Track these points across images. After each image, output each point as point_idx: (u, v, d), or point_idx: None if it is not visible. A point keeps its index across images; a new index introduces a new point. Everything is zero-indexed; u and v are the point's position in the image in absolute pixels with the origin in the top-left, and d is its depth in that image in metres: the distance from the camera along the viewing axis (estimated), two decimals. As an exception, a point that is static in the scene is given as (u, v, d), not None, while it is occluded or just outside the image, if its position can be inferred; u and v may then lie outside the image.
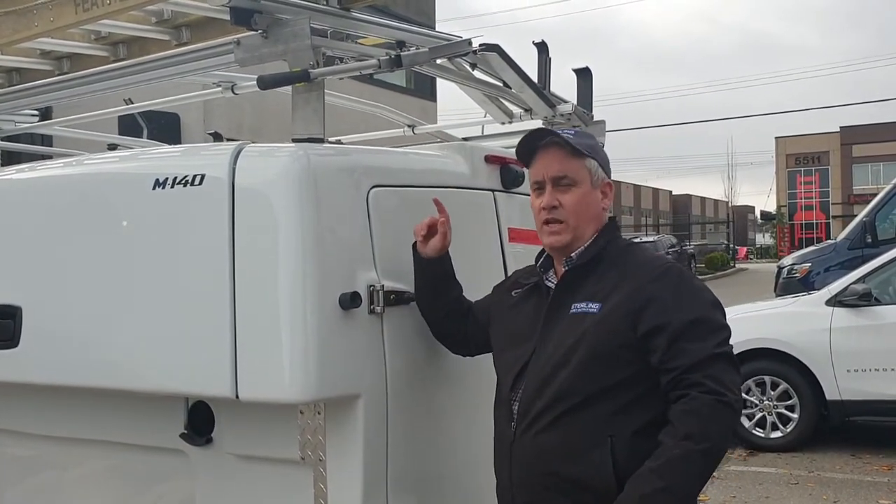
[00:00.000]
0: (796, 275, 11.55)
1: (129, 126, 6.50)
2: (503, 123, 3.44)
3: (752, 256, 54.16)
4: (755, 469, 6.18)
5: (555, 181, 2.01)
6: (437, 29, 20.29)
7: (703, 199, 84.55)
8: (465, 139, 3.94)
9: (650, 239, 30.71)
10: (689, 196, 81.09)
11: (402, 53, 2.25)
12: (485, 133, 3.81)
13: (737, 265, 35.74)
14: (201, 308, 2.10)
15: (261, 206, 2.08)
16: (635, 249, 2.06)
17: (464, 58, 2.85)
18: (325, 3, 2.28)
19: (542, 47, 3.43)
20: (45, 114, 4.66)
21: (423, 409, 2.26)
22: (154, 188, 2.20)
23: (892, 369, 6.17)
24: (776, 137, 52.96)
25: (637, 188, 70.09)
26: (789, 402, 6.59)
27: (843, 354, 6.31)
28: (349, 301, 2.02)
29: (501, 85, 3.13)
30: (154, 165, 2.31)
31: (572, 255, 2.01)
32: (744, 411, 6.73)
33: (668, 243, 30.25)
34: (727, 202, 59.82)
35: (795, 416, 6.56)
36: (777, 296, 11.21)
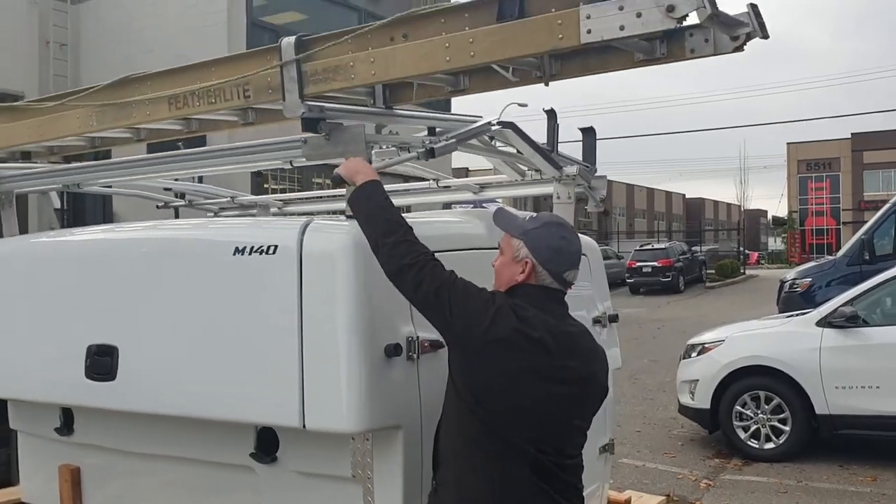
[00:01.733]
0: (798, 289, 12.00)
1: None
2: (516, 181, 3.94)
3: (763, 262, 54.33)
4: (748, 478, 6.65)
5: (499, 247, 2.56)
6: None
7: (716, 202, 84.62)
8: (480, 186, 4.45)
9: (662, 246, 31.13)
10: (702, 200, 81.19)
11: (435, 146, 2.75)
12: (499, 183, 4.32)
13: (747, 272, 35.92)
14: (274, 354, 2.60)
15: (323, 272, 2.57)
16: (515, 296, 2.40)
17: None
18: (371, 103, 2.80)
19: (551, 114, 3.93)
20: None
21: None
22: (234, 254, 2.72)
23: (878, 387, 6.64)
24: (788, 143, 53.22)
25: (650, 191, 70.21)
26: (782, 416, 7.07)
27: (832, 372, 6.77)
28: (392, 350, 2.53)
29: (516, 152, 3.64)
30: (234, 235, 2.82)
31: None
32: (740, 423, 7.23)
33: (679, 250, 30.67)
34: (740, 206, 60.03)
35: (787, 428, 7.03)
36: (780, 310, 11.67)
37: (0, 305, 3.49)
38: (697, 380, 7.49)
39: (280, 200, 5.01)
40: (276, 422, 2.68)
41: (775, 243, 66.90)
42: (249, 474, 2.90)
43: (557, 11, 2.12)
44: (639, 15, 1.98)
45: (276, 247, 2.65)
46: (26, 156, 4.46)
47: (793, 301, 11.49)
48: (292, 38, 2.48)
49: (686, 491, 6.33)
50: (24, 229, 4.32)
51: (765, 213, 79.90)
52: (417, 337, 2.62)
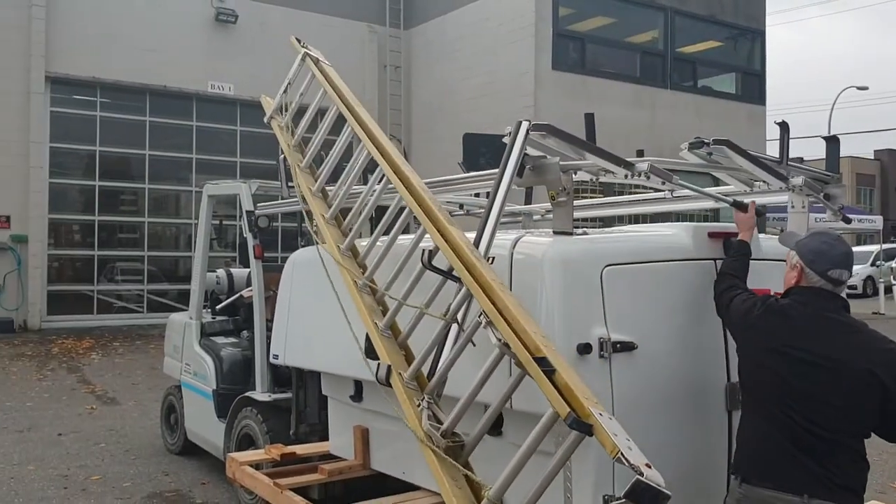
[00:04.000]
0: None
1: (471, 148, 7.74)
2: (745, 192, 4.09)
3: None
4: None
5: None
6: (766, 24, 19.53)
7: None
8: (734, 202, 4.57)
9: None
10: None
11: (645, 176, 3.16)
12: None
13: None
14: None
15: (528, 279, 3.10)
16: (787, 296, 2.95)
17: (699, 151, 3.66)
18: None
19: (783, 127, 4.04)
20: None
21: (641, 425, 3.12)
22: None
23: None
24: None
25: None
26: None
27: None
28: (583, 349, 2.97)
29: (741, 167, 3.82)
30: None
31: None
32: None
33: None
34: None
35: None
36: None
37: (312, 300, 4.52)
38: None
39: (542, 208, 5.59)
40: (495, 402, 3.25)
41: None
42: (482, 443, 3.51)
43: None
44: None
45: (493, 258, 3.23)
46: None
47: None
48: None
49: None
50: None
51: None
52: (610, 338, 3.02)
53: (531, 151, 3.17)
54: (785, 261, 3.06)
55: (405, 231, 3.81)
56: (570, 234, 3.18)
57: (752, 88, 20.29)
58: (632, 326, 3.11)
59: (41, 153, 16.62)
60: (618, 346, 3.04)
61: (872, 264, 26.46)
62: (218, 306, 7.29)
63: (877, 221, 23.77)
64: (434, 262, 3.11)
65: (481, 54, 17.54)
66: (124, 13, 17.03)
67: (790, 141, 4.02)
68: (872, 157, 55.30)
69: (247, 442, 6.00)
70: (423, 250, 3.07)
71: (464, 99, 17.51)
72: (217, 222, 7.47)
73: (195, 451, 6.99)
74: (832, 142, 4.20)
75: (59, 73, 16.74)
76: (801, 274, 2.92)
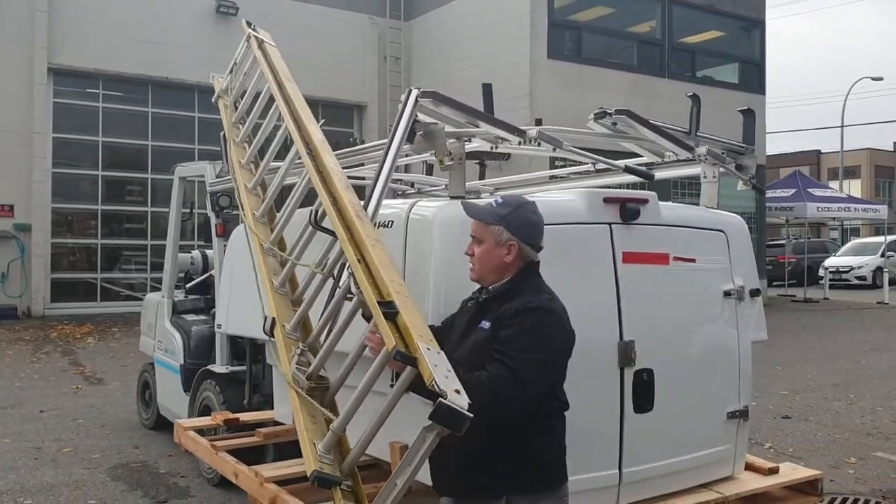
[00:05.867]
0: None
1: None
2: (658, 163, 4.21)
3: None
4: None
5: (473, 237, 2.82)
6: (766, 14, 19.41)
7: None
8: (626, 167, 4.62)
9: None
10: None
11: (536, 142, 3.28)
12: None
13: None
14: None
15: (419, 238, 3.25)
16: (531, 288, 2.71)
17: (604, 121, 3.79)
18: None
19: (694, 99, 4.16)
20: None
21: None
22: (378, 227, 3.49)
23: None
24: None
25: None
26: None
27: None
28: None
29: (646, 137, 3.94)
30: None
31: (490, 287, 2.77)
32: None
33: None
34: None
35: None
36: None
37: (248, 270, 4.69)
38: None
39: (493, 186, 5.72)
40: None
41: None
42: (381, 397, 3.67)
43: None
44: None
45: (392, 221, 3.38)
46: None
47: None
48: None
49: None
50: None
51: None
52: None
53: (425, 119, 3.31)
54: (670, 226, 3.06)
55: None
56: (464, 197, 3.32)
57: (752, 78, 20.23)
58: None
59: (45, 143, 16.96)
60: (500, 302, 3.17)
61: (882, 255, 26.39)
62: (188, 285, 7.50)
63: (881, 210, 23.55)
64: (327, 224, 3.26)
65: (479, 44, 17.65)
66: (126, 5, 17.32)
67: (699, 113, 4.14)
68: (892, 149, 54.73)
69: (207, 412, 6.18)
70: (312, 211, 3.23)
71: (462, 89, 17.60)
72: (187, 210, 7.66)
73: (168, 425, 7.18)
74: (748, 115, 4.32)
75: (62, 65, 17.05)
76: (519, 252, 2.71)
